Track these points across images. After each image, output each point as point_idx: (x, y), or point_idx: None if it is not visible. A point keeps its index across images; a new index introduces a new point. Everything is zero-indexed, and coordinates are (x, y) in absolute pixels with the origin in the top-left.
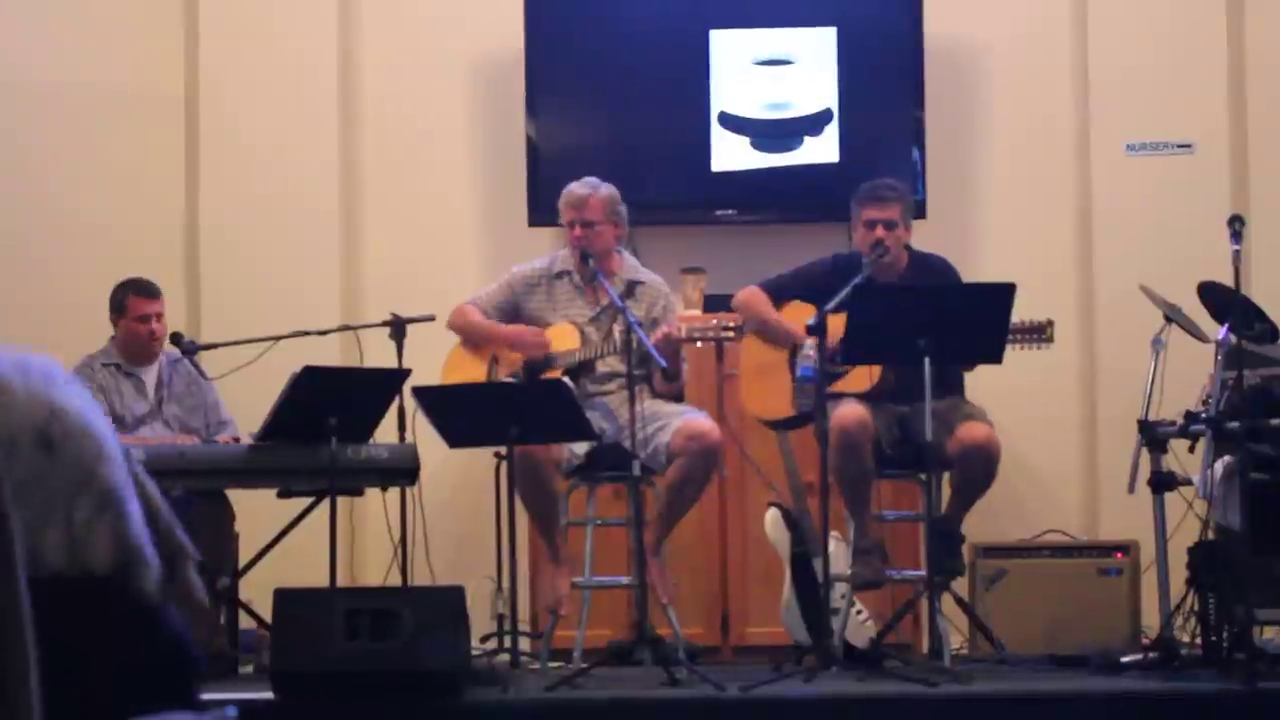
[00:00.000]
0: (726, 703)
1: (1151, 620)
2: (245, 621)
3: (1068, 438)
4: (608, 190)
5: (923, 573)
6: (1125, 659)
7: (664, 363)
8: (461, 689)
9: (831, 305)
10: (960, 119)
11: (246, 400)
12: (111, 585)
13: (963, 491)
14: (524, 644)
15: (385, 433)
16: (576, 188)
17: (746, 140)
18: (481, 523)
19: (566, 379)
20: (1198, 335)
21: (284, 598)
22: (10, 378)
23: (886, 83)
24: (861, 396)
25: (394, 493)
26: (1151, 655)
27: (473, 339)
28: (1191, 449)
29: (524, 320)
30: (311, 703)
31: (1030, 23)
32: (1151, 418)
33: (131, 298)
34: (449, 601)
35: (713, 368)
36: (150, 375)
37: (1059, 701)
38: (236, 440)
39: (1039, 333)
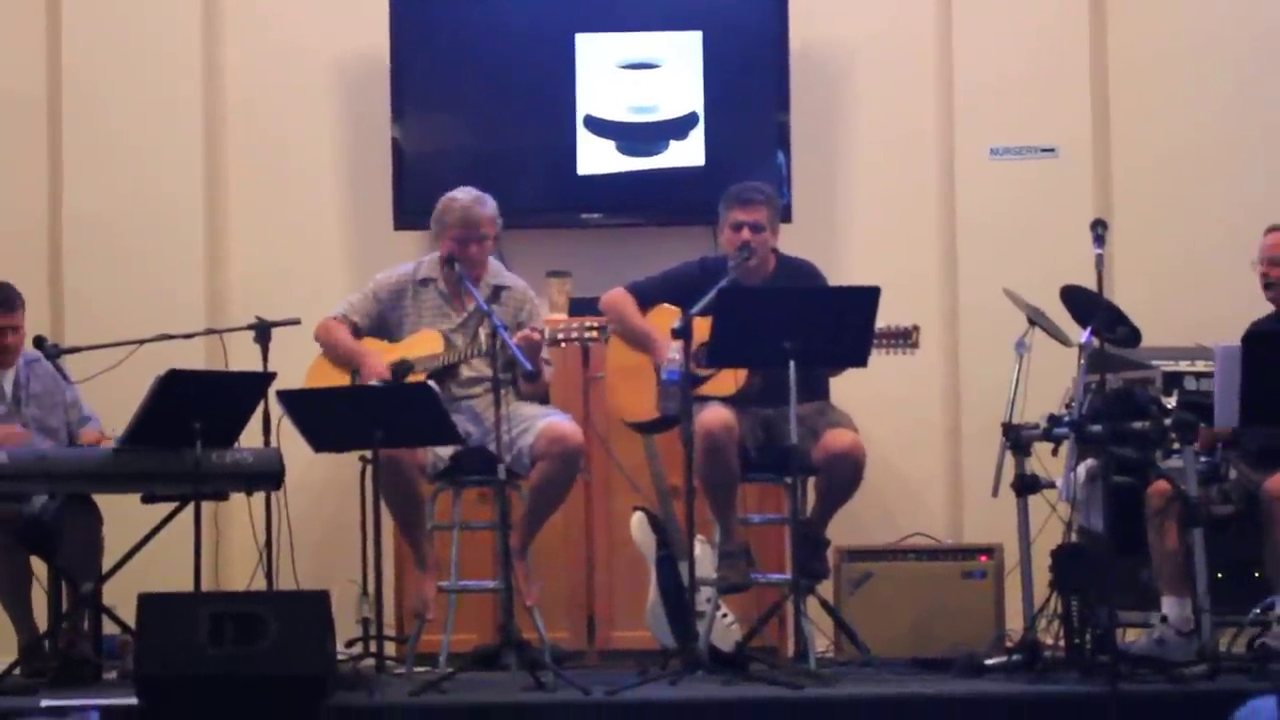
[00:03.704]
0: (592, 706)
1: (1015, 623)
2: (109, 627)
3: (932, 441)
4: (492, 202)
5: (788, 576)
6: (989, 661)
7: (529, 365)
8: (327, 693)
9: (697, 308)
10: (826, 123)
11: (111, 404)
12: None
13: (828, 497)
14: (389, 648)
15: (250, 437)
16: (469, 204)
17: (612, 144)
18: (347, 527)
19: (431, 383)
20: (1061, 339)
21: (148, 603)
22: None
23: (752, 86)
24: (727, 400)
25: (259, 497)
26: (1015, 658)
27: (334, 356)
28: (1055, 452)
29: (390, 327)
30: (176, 708)
31: (895, 27)
32: (1015, 421)
33: None
34: (314, 606)
35: (578, 370)
36: (7, 378)
37: (923, 704)
38: (102, 434)
39: (904, 338)
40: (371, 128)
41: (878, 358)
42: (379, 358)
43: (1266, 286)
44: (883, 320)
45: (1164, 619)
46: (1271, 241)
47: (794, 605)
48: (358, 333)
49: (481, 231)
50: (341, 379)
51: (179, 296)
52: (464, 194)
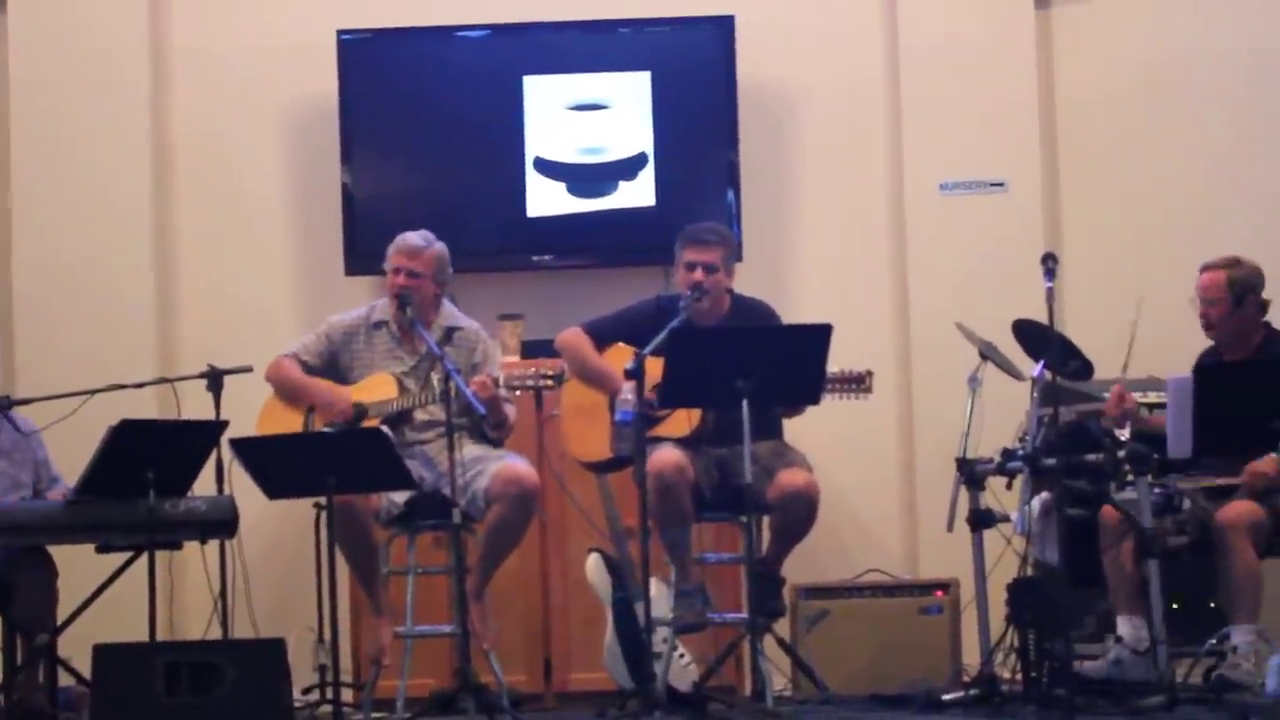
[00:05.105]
0: None
1: (972, 657)
2: (64, 678)
3: (887, 477)
4: (440, 248)
5: (744, 615)
6: (947, 696)
7: (483, 410)
8: None
9: (649, 349)
10: (775, 161)
11: (64, 454)
12: None
13: (783, 535)
14: (347, 695)
15: (204, 484)
16: (413, 238)
17: (562, 185)
18: (302, 574)
19: (384, 428)
20: (1013, 373)
21: (103, 654)
22: None
23: (701, 126)
24: (681, 441)
25: (213, 545)
26: (973, 692)
27: (287, 393)
28: (1009, 486)
29: (342, 369)
30: None
31: (843, 64)
32: (969, 456)
33: None
34: (270, 654)
35: (531, 411)
36: None
37: None
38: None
39: (858, 383)
40: (321, 172)
41: (830, 401)
42: (339, 392)
43: (1207, 327)
44: (835, 364)
45: (1119, 639)
46: (1204, 282)
47: (751, 644)
48: (310, 372)
49: (412, 266)
50: (294, 420)
51: (130, 345)
52: (415, 232)
